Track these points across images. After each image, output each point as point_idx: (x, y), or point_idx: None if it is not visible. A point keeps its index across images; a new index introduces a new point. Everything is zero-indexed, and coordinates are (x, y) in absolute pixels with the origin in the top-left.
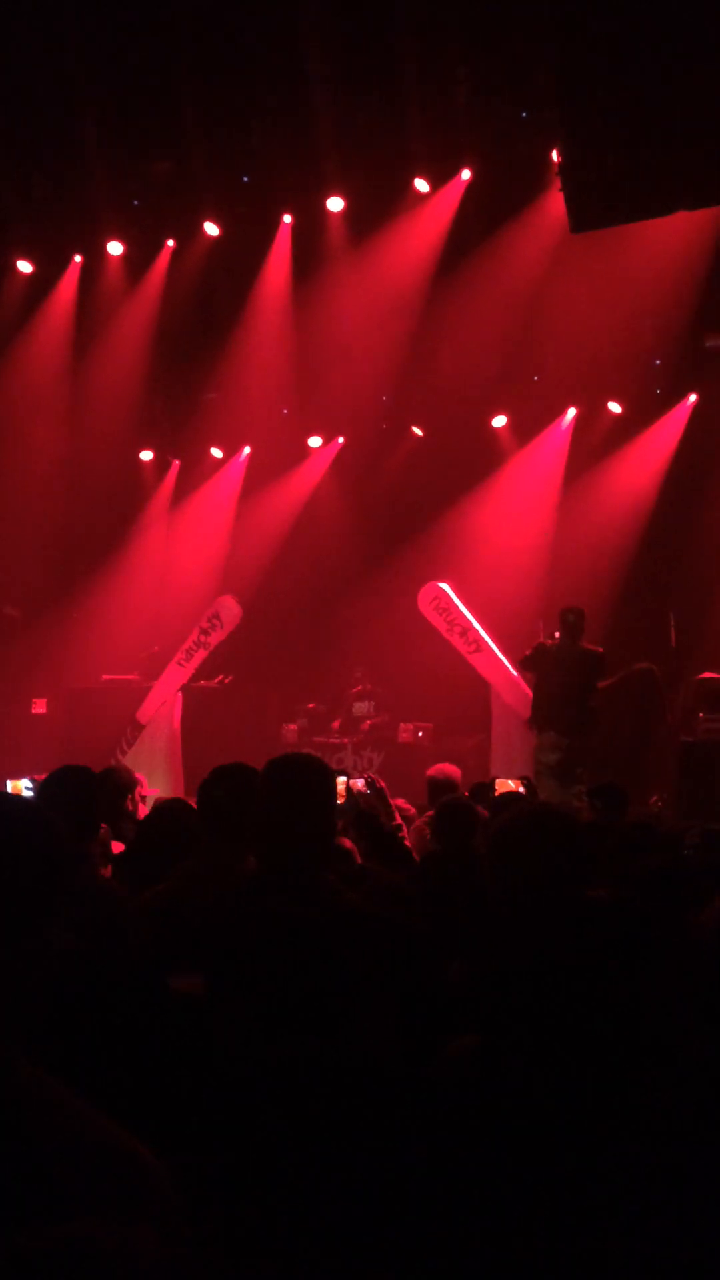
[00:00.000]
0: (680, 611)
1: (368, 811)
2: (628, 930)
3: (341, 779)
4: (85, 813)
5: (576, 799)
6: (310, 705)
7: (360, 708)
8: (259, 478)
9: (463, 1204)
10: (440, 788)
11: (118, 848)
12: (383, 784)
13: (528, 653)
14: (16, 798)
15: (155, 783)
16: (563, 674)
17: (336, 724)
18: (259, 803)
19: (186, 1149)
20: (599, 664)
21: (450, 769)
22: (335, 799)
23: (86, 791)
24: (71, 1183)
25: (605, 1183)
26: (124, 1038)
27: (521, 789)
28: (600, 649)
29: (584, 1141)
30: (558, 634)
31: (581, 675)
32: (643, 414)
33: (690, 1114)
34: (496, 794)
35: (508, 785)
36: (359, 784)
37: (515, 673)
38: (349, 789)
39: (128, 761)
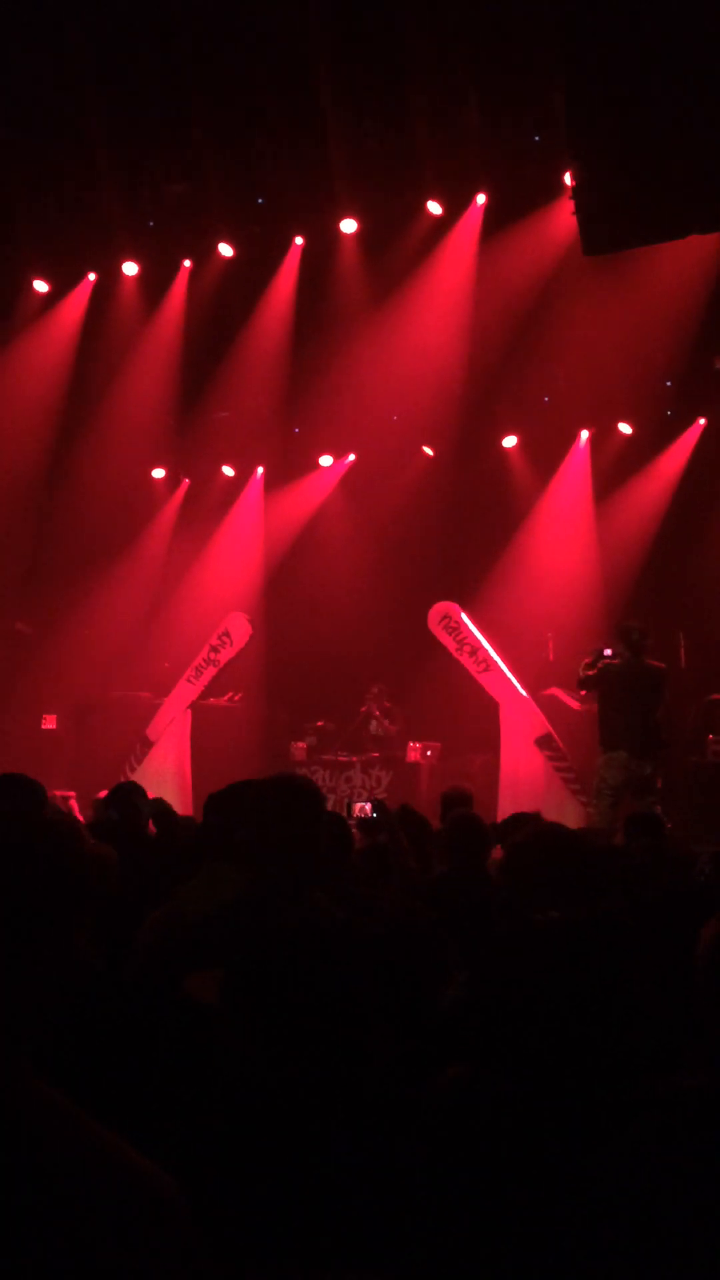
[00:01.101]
0: (690, 632)
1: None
2: (626, 951)
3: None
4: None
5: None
6: (319, 723)
7: (375, 726)
8: (270, 496)
9: (456, 1231)
10: (453, 803)
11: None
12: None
13: (590, 672)
14: (40, 811)
15: (164, 798)
16: (629, 692)
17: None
18: (247, 822)
19: (188, 1162)
20: (664, 680)
21: (466, 788)
22: (322, 819)
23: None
24: (78, 1198)
25: (595, 1209)
26: (128, 1051)
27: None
28: (663, 665)
29: (573, 1167)
30: (608, 651)
31: (648, 692)
32: (653, 435)
33: (685, 1137)
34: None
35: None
36: (366, 807)
37: (524, 692)
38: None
39: (136, 778)
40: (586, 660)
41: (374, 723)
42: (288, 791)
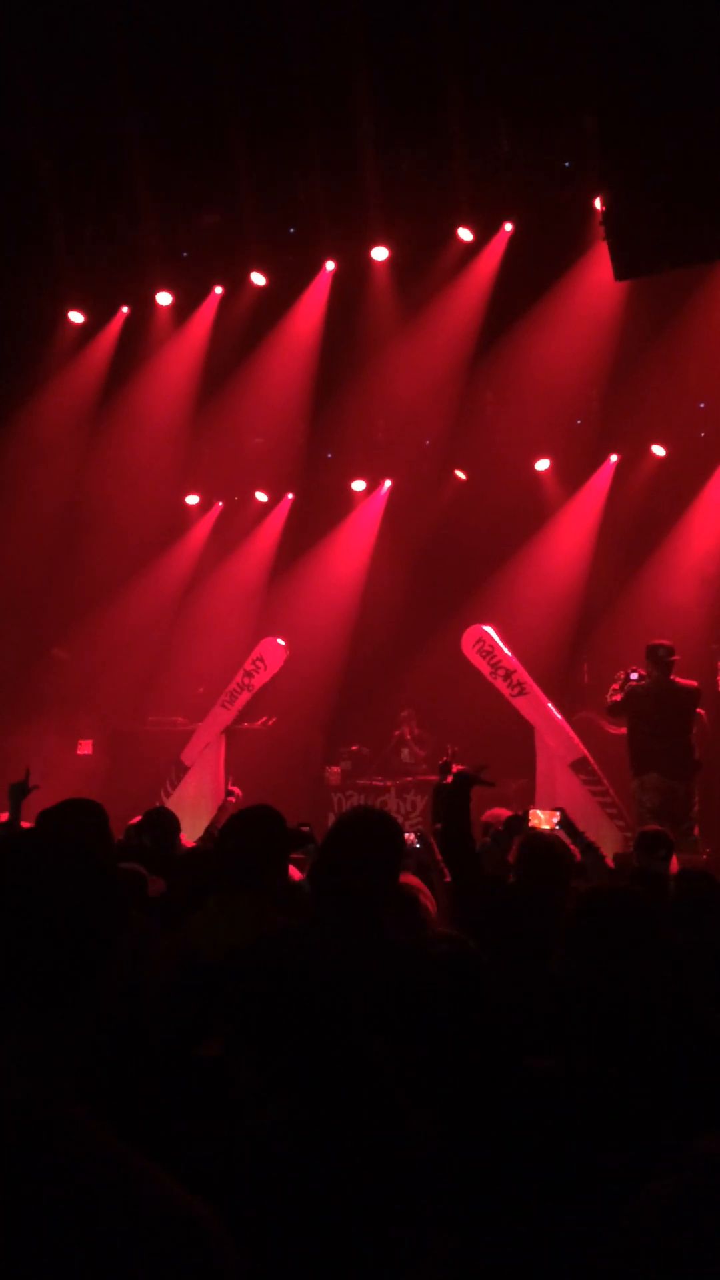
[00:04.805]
0: None
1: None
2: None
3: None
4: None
5: (686, 841)
6: (354, 748)
7: (406, 752)
8: (303, 521)
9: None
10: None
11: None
12: (432, 839)
13: (617, 697)
14: (79, 840)
15: (199, 823)
16: (659, 712)
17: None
18: (325, 851)
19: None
20: (696, 698)
21: (505, 813)
22: (401, 856)
23: (100, 825)
24: (124, 1232)
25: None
26: (149, 1084)
27: (556, 821)
28: (695, 683)
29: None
30: (636, 675)
31: (680, 712)
32: (687, 457)
33: None
34: (530, 825)
35: (538, 817)
36: (410, 838)
37: (559, 715)
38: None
39: (171, 804)
40: (614, 686)
41: (405, 750)
42: (371, 826)
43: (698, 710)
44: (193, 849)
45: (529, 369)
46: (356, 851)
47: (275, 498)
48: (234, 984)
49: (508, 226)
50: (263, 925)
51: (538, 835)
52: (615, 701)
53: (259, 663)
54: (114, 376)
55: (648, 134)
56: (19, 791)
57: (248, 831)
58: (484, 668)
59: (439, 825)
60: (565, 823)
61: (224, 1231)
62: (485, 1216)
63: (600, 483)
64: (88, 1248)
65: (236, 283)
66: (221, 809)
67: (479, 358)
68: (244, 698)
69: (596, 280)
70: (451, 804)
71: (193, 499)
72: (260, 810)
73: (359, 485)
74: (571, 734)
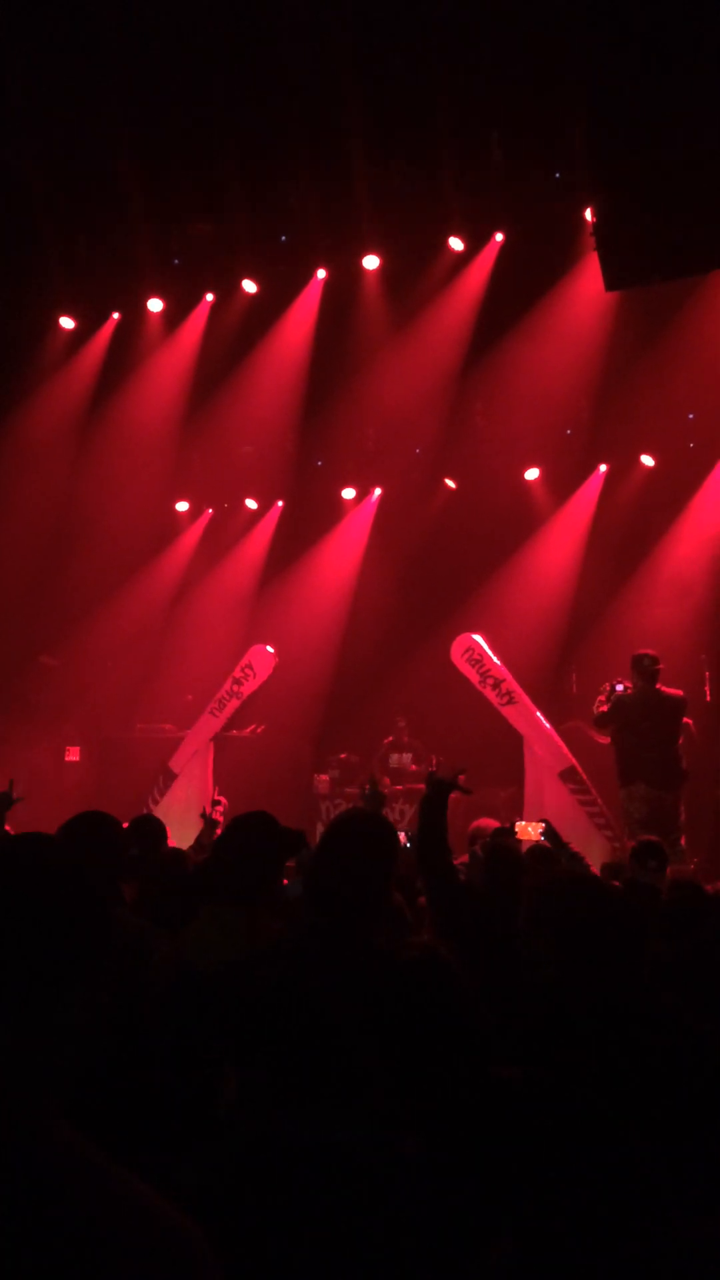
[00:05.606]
0: (717, 667)
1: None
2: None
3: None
4: (112, 859)
5: (673, 852)
6: (342, 756)
7: (396, 759)
8: (293, 528)
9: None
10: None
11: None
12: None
13: (603, 709)
14: (63, 849)
15: (186, 832)
16: (646, 722)
17: (387, 780)
18: (320, 854)
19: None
20: (682, 708)
21: (492, 824)
22: (394, 863)
23: (113, 838)
24: (107, 1247)
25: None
26: (141, 1095)
27: (542, 833)
28: (680, 692)
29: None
30: (622, 685)
31: (666, 722)
32: (676, 467)
33: None
34: (517, 837)
35: (528, 832)
36: (402, 837)
37: (547, 725)
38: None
39: (159, 811)
40: (600, 697)
41: (393, 756)
42: (363, 830)
43: (685, 720)
44: (175, 849)
45: (519, 378)
46: (351, 854)
47: (265, 505)
48: (227, 996)
49: (498, 236)
50: (256, 935)
51: (503, 844)
52: (602, 713)
53: (248, 670)
54: (105, 383)
55: (639, 146)
56: (4, 802)
57: (245, 841)
58: (473, 676)
59: (413, 831)
60: (550, 833)
61: (208, 1247)
62: (480, 1224)
63: (590, 492)
64: (69, 1264)
65: (228, 290)
66: (208, 818)
67: (469, 367)
68: (233, 705)
69: (587, 291)
70: (427, 810)
71: (183, 506)
72: (257, 818)
73: (349, 493)
74: (560, 743)
